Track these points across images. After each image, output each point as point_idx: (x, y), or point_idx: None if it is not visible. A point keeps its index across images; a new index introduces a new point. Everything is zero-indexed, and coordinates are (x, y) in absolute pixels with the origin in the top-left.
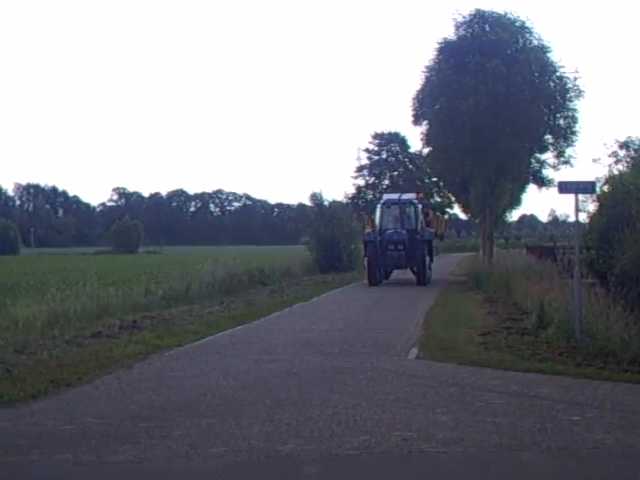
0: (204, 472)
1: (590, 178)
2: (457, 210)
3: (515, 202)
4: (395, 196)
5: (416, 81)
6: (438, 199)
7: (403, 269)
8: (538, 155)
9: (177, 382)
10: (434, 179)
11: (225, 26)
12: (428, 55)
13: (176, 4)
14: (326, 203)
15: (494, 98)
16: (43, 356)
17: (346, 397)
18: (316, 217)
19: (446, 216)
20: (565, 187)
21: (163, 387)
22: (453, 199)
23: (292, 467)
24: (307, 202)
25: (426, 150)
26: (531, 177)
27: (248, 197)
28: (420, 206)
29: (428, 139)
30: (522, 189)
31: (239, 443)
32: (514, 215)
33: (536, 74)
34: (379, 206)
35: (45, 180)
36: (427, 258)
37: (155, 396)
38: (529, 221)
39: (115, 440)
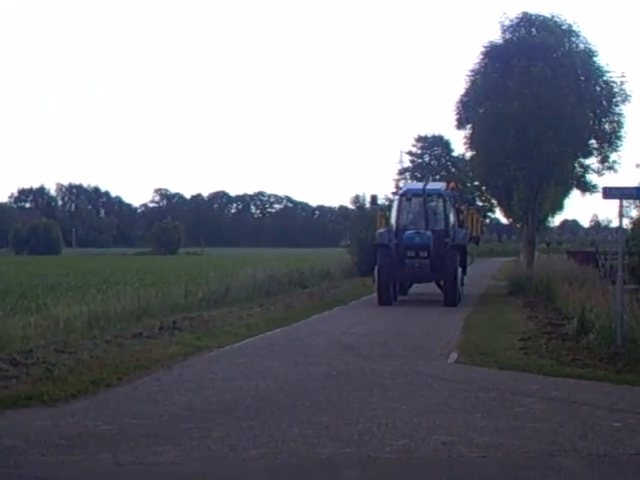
0: (243, 474)
1: (634, 183)
2: (499, 214)
3: (557, 207)
4: (418, 185)
5: (460, 84)
6: (480, 203)
7: (426, 283)
8: (582, 160)
9: (217, 384)
10: (476, 183)
11: (263, 29)
12: (473, 58)
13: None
14: (367, 206)
15: (539, 102)
16: (84, 356)
17: (385, 400)
18: (357, 220)
19: (487, 220)
20: (610, 192)
21: (203, 388)
22: (495, 203)
23: (331, 470)
24: (348, 205)
25: (469, 154)
26: (574, 182)
27: (289, 199)
28: (451, 200)
29: (472, 143)
30: (565, 194)
31: (278, 445)
32: (556, 220)
33: (582, 78)
34: (397, 198)
35: (87, 180)
36: (459, 269)
37: (195, 397)
38: (571, 226)
39: (155, 441)
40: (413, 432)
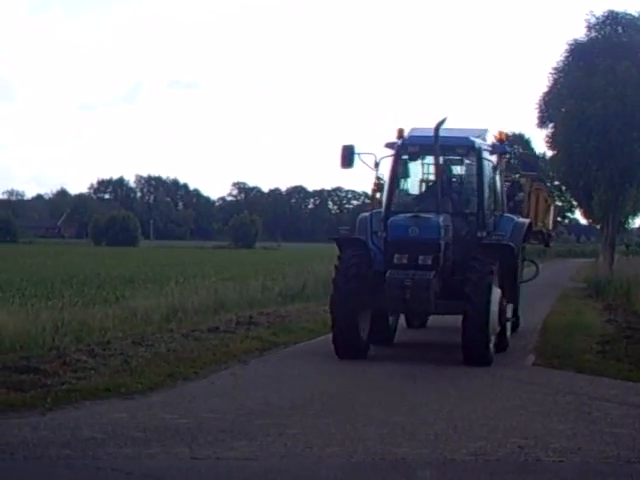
0: (319, 471)
1: None
2: (578, 215)
3: (638, 208)
4: (428, 131)
5: (543, 82)
6: (559, 203)
7: (427, 316)
8: None
9: (292, 380)
10: (556, 182)
11: (354, 31)
12: (556, 56)
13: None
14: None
15: (623, 102)
16: (161, 349)
17: (462, 402)
18: None
19: (565, 220)
20: None
21: (278, 384)
22: (575, 203)
23: (407, 470)
24: None
25: (550, 153)
26: None
27: (367, 195)
28: (493, 160)
29: (553, 142)
30: None
31: (354, 444)
32: (636, 222)
33: None
34: (392, 154)
35: (166, 172)
36: (496, 292)
37: (270, 393)
38: None
39: (231, 436)
40: (489, 434)
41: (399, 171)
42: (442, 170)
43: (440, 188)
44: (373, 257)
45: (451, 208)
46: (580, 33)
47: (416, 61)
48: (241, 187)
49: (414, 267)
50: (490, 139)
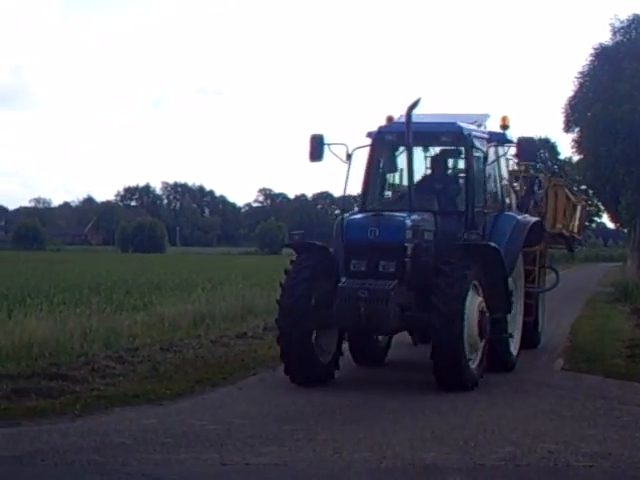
0: (349, 477)
1: None
2: (605, 219)
3: None
4: (415, 118)
5: (568, 87)
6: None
7: (389, 333)
8: None
9: (321, 385)
10: (583, 187)
11: (364, 33)
12: (581, 60)
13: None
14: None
15: None
16: (189, 355)
17: (491, 407)
18: None
19: (592, 224)
20: None
21: (307, 390)
22: (602, 207)
23: (436, 475)
24: None
25: (577, 157)
26: None
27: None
28: (489, 150)
29: (580, 146)
30: None
31: (383, 449)
32: None
33: None
34: (368, 145)
35: (192, 179)
36: (474, 301)
37: (299, 399)
38: None
39: (260, 441)
40: (519, 439)
41: (376, 164)
42: (417, 161)
43: (412, 183)
44: (337, 265)
45: (437, 206)
46: (605, 37)
47: (442, 65)
48: (267, 193)
49: (373, 275)
50: (492, 126)
